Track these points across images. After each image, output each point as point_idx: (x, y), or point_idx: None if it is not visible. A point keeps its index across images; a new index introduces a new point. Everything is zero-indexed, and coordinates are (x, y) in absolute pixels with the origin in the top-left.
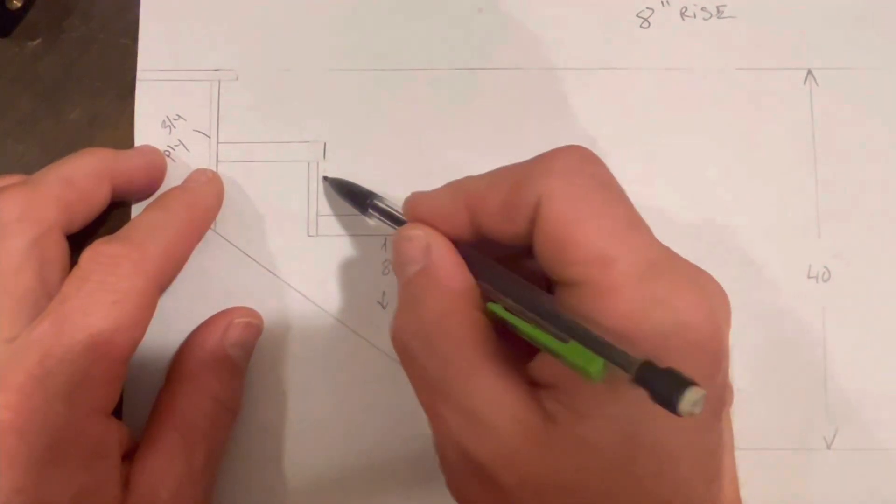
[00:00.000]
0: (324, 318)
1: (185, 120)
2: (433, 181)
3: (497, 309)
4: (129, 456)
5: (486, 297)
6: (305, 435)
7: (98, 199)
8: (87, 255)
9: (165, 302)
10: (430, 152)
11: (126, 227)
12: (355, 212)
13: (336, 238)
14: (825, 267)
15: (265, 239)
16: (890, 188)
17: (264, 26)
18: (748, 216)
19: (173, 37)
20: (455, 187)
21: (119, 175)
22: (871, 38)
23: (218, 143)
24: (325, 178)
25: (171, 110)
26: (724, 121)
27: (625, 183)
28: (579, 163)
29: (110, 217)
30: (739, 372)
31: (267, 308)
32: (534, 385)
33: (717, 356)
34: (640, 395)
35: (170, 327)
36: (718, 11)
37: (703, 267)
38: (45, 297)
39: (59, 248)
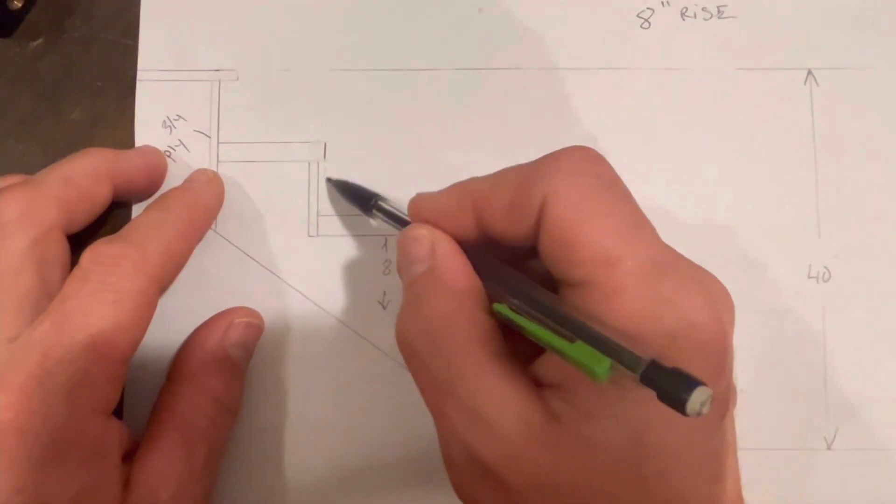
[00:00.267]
0: (324, 318)
1: (185, 120)
2: (434, 181)
3: (503, 309)
4: (130, 456)
5: (491, 298)
6: (305, 435)
7: (99, 199)
8: (88, 255)
9: (166, 302)
10: (431, 152)
11: (127, 228)
12: (356, 212)
13: (337, 238)
14: (825, 267)
15: (266, 239)
16: (890, 188)
17: (265, 26)
18: (748, 216)
19: (174, 37)
20: (460, 188)
21: (120, 175)
22: (871, 39)
23: (218, 143)
24: (329, 180)
25: (172, 110)
26: (724, 121)
27: (625, 182)
28: (584, 163)
29: (111, 217)
30: (740, 372)
31: (267, 308)
32: (539, 385)
33: (722, 356)
34: (646, 395)
35: (170, 327)
36: (719, 12)
37: (703, 267)
38: (45, 297)
39: (60, 248)
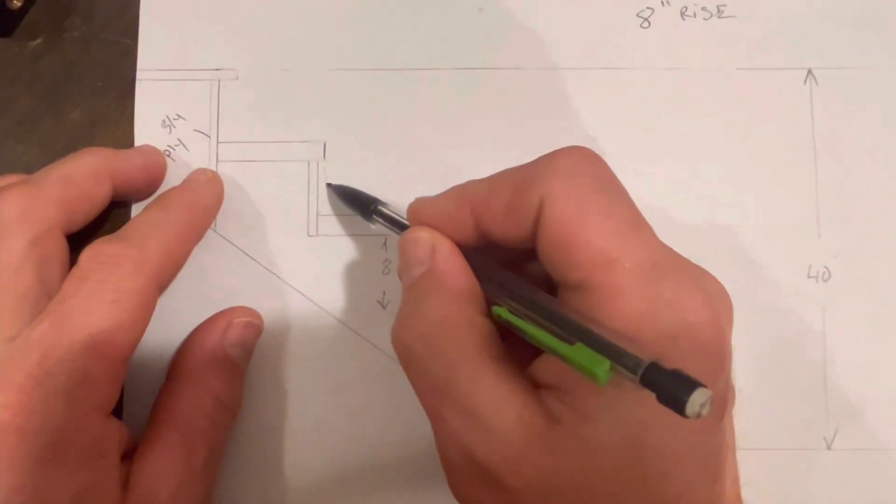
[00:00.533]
0: (324, 317)
1: (185, 119)
2: (433, 180)
3: (502, 312)
4: (129, 456)
5: (490, 301)
6: (305, 435)
7: (98, 198)
8: (87, 254)
9: (165, 301)
10: (430, 152)
11: (126, 227)
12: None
13: (336, 238)
14: (825, 267)
15: (265, 238)
16: (890, 188)
17: (264, 26)
18: (748, 216)
19: (173, 36)
20: (458, 192)
21: (119, 174)
22: (871, 38)
23: (218, 142)
24: (329, 185)
25: (171, 110)
26: (724, 120)
27: (624, 182)
28: (581, 163)
29: (110, 217)
30: (740, 372)
31: (267, 308)
32: (537, 386)
33: (721, 357)
34: (645, 396)
35: (170, 327)
36: (719, 11)
37: (703, 267)
38: (45, 296)
39: (59, 248)
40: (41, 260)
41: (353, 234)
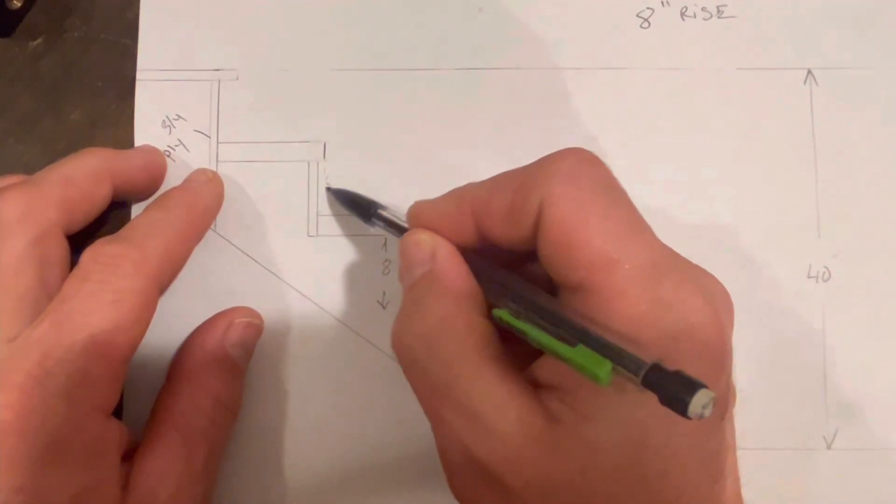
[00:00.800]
0: (324, 317)
1: (185, 120)
2: (433, 181)
3: (503, 314)
4: (129, 456)
5: (491, 303)
6: (305, 435)
7: (98, 198)
8: (88, 255)
9: (166, 302)
10: (430, 152)
11: (126, 228)
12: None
13: (336, 238)
14: (825, 267)
15: (265, 239)
16: (890, 188)
17: (264, 26)
18: (748, 216)
19: (174, 37)
20: (458, 194)
21: (119, 175)
22: (871, 39)
23: (218, 142)
24: (328, 189)
25: (172, 110)
26: (724, 121)
27: (625, 183)
28: (581, 165)
29: (110, 217)
30: (740, 372)
31: (267, 308)
32: (537, 387)
33: (722, 358)
34: (646, 397)
35: (170, 327)
36: (719, 11)
37: (703, 267)
38: (45, 296)
39: (60, 248)
40: (41, 260)
41: (352, 234)
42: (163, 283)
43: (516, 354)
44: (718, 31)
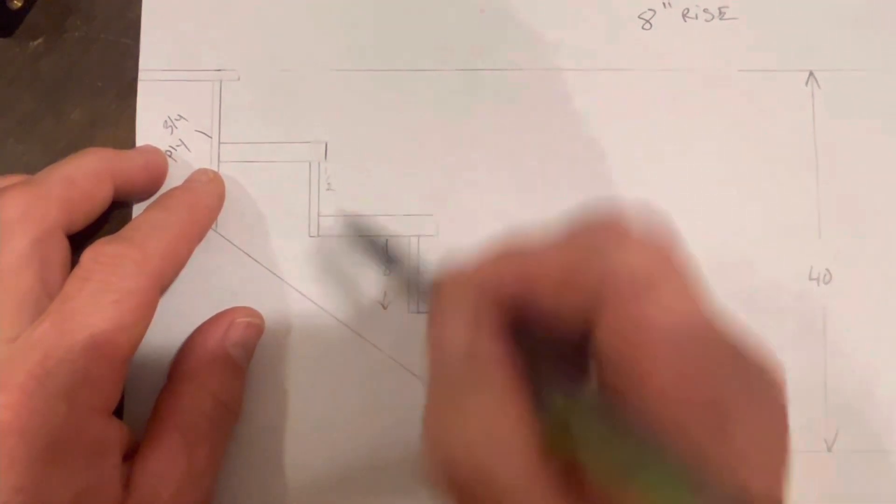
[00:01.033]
0: (325, 318)
1: (186, 120)
2: (433, 182)
3: (562, 407)
4: (130, 456)
5: (538, 395)
6: (306, 435)
7: (100, 199)
8: (89, 254)
9: (167, 302)
10: (431, 153)
11: (127, 227)
12: (357, 213)
13: (337, 238)
14: (826, 269)
15: (266, 239)
16: (891, 190)
17: (266, 26)
18: (750, 217)
19: (175, 37)
20: (505, 251)
21: (120, 175)
22: (872, 40)
23: (219, 143)
24: (348, 231)
25: (173, 110)
26: (725, 122)
27: (626, 184)
28: (653, 269)
29: (111, 217)
30: None
31: (268, 308)
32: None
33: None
34: None
35: (171, 327)
36: (720, 13)
37: (704, 269)
38: (46, 297)
39: (61, 249)
40: (42, 260)
41: (354, 235)
42: (164, 283)
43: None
44: (720, 32)
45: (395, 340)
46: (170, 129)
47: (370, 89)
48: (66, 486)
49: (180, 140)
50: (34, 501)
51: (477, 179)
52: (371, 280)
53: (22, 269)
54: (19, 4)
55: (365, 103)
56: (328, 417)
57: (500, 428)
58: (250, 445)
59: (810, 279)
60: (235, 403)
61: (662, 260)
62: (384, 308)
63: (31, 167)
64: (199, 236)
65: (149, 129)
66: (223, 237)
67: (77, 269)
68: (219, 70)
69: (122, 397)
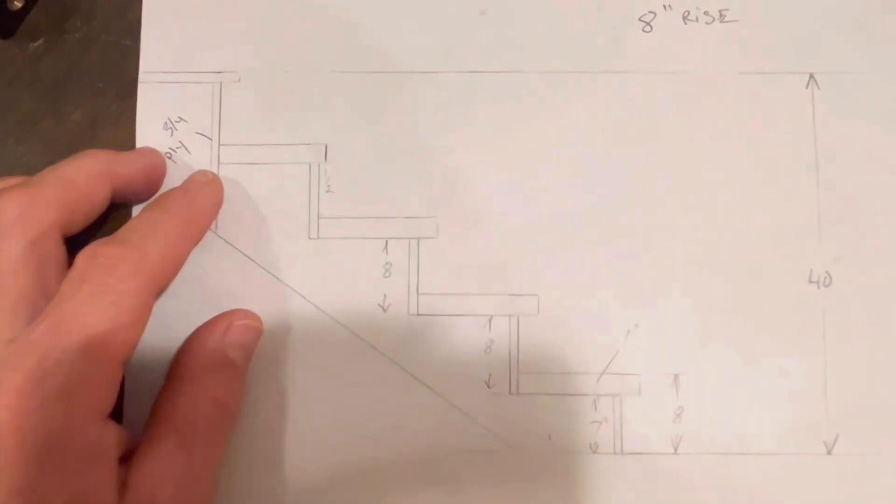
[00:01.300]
0: (324, 320)
1: (186, 122)
2: (434, 183)
3: None
4: (128, 458)
5: None
6: (305, 437)
7: (98, 200)
8: (85, 256)
9: (165, 303)
10: (432, 155)
11: (124, 228)
12: (357, 214)
13: (337, 241)
14: (826, 272)
15: (266, 241)
16: (892, 193)
17: (267, 28)
18: (749, 220)
19: (175, 38)
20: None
21: (119, 176)
22: (873, 43)
23: (219, 145)
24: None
25: (173, 112)
26: (725, 124)
27: (626, 186)
28: None
29: (110, 219)
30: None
31: (267, 310)
32: None
33: None
34: None
35: (169, 329)
36: (721, 15)
37: (703, 270)
38: (43, 298)
39: (58, 250)
40: (39, 262)
41: (353, 237)
42: (161, 284)
43: None
44: (721, 35)
45: (394, 343)
46: (170, 130)
47: (370, 91)
48: (63, 488)
49: (180, 142)
50: (30, 503)
51: (477, 182)
52: (371, 283)
53: (19, 270)
54: (19, 5)
55: (365, 105)
56: (327, 419)
57: None
58: (250, 446)
59: (810, 282)
60: (234, 405)
61: None
62: (384, 311)
63: (31, 168)
64: (198, 238)
65: (149, 131)
66: (222, 239)
67: (73, 271)
68: (219, 72)
69: (121, 399)
